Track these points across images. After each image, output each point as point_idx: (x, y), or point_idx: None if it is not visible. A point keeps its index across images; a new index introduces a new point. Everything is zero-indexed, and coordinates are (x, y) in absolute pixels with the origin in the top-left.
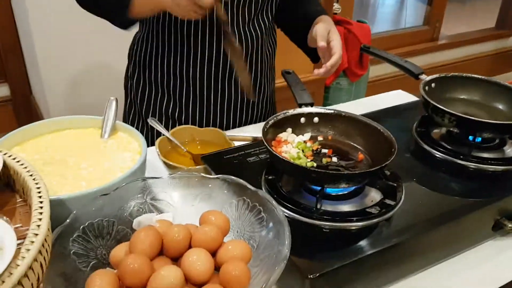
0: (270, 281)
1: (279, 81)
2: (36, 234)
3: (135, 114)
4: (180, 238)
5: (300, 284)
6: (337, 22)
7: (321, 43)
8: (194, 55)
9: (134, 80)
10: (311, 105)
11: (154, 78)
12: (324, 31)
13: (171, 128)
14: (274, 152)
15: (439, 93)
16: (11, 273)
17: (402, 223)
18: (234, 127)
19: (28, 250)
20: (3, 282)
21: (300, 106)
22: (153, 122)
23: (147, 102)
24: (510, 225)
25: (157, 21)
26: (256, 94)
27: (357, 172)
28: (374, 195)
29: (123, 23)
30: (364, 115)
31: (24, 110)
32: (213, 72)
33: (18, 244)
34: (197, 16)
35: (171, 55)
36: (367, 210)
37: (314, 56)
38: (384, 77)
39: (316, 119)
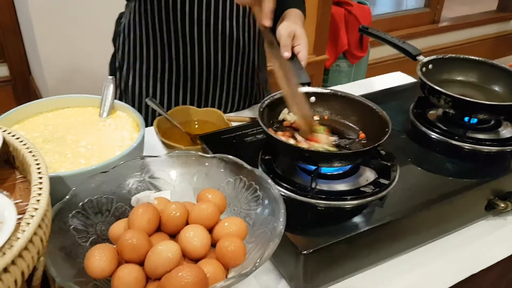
0: (265, 256)
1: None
2: (36, 209)
3: (121, 99)
4: (177, 215)
5: (295, 259)
6: (338, 3)
7: (286, 54)
8: (183, 41)
9: (124, 72)
10: (308, 84)
11: (146, 72)
12: (287, 38)
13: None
14: (269, 132)
15: (436, 74)
16: (11, 246)
17: (395, 202)
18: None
19: (28, 224)
20: (4, 254)
21: None
22: (150, 103)
23: (139, 93)
24: (502, 205)
25: (144, 7)
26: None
27: (349, 152)
28: (369, 175)
29: None
30: (362, 96)
31: (23, 91)
32: (204, 58)
33: (18, 219)
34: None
35: (159, 43)
36: (361, 189)
37: None
38: (384, 60)
39: (312, 99)
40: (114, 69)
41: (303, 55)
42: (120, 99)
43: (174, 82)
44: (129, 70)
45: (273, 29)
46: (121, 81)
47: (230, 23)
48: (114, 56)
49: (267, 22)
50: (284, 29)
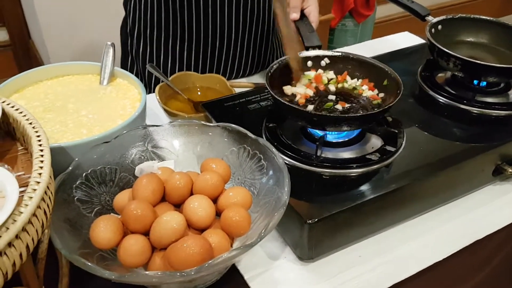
0: (270, 226)
1: None
2: (38, 182)
3: (132, 64)
4: (181, 185)
5: (299, 229)
6: None
7: (294, 15)
8: (196, 5)
9: (135, 38)
10: (319, 47)
11: (157, 37)
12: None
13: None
14: (276, 96)
15: (445, 35)
16: (15, 220)
17: (402, 169)
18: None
19: (31, 197)
20: (8, 229)
21: (307, 49)
22: (151, 69)
23: (150, 61)
24: (510, 170)
25: None
26: None
27: (358, 115)
28: (375, 142)
29: None
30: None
31: (23, 55)
32: (218, 23)
33: (21, 192)
34: None
35: (171, 8)
36: (367, 156)
37: None
38: (391, 18)
39: (323, 63)
40: (125, 34)
41: (314, 16)
42: (131, 67)
43: (186, 49)
44: (140, 36)
45: None
46: (132, 48)
47: None
48: (125, 21)
49: None
50: None
